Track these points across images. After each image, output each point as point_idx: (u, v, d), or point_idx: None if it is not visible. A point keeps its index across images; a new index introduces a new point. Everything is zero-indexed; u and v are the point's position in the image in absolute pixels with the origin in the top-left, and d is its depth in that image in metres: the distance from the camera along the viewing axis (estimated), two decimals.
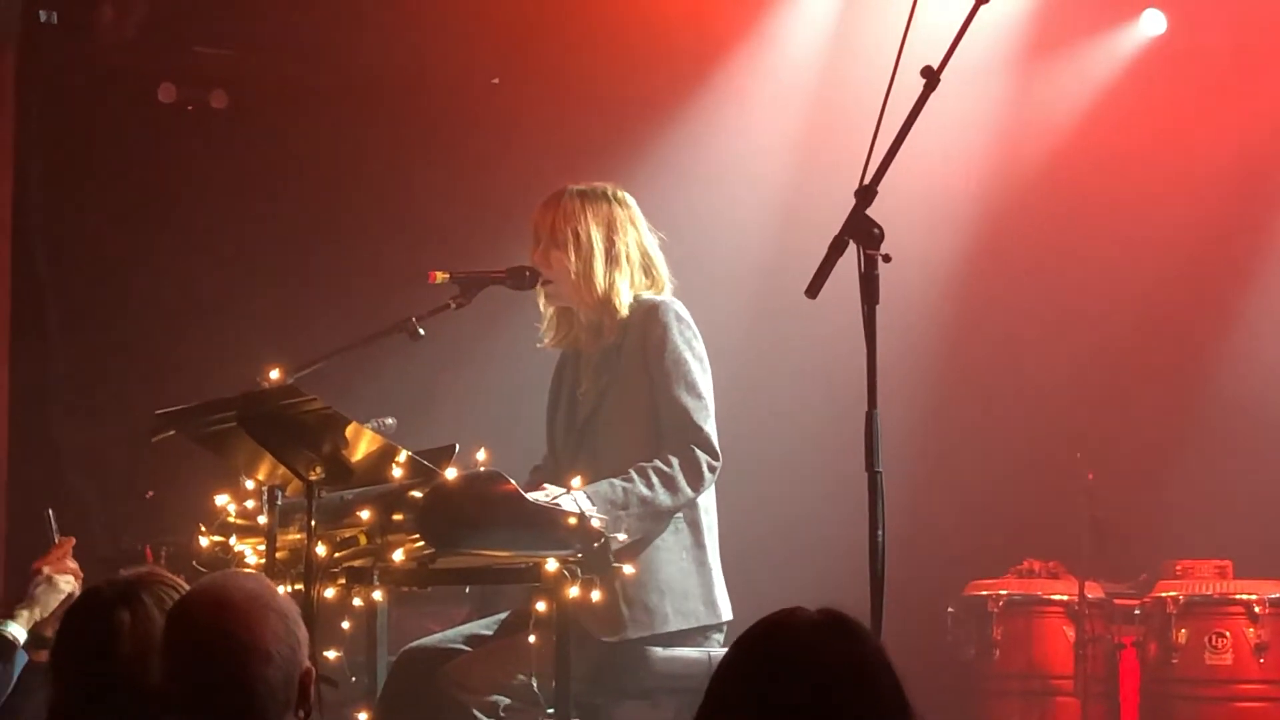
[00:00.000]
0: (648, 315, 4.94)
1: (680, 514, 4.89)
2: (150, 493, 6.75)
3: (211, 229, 7.83)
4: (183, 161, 7.86)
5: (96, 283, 7.77)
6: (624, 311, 4.95)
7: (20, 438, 7.58)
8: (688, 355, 4.92)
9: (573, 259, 4.94)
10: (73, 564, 4.18)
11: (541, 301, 5.11)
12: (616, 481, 4.74)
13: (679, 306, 4.98)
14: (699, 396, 4.91)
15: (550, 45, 7.80)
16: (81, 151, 7.77)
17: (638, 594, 4.81)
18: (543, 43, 7.81)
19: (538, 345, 5.16)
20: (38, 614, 4.09)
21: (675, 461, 4.82)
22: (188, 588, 3.15)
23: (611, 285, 4.94)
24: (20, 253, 7.64)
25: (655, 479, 4.78)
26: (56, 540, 4.27)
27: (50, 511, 4.42)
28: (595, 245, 4.95)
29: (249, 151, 7.90)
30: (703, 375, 4.94)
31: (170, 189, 7.84)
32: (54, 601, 4.11)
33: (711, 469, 4.87)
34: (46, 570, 4.15)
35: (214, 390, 4.61)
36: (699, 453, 4.85)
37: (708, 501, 4.96)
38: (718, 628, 4.94)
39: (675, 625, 4.85)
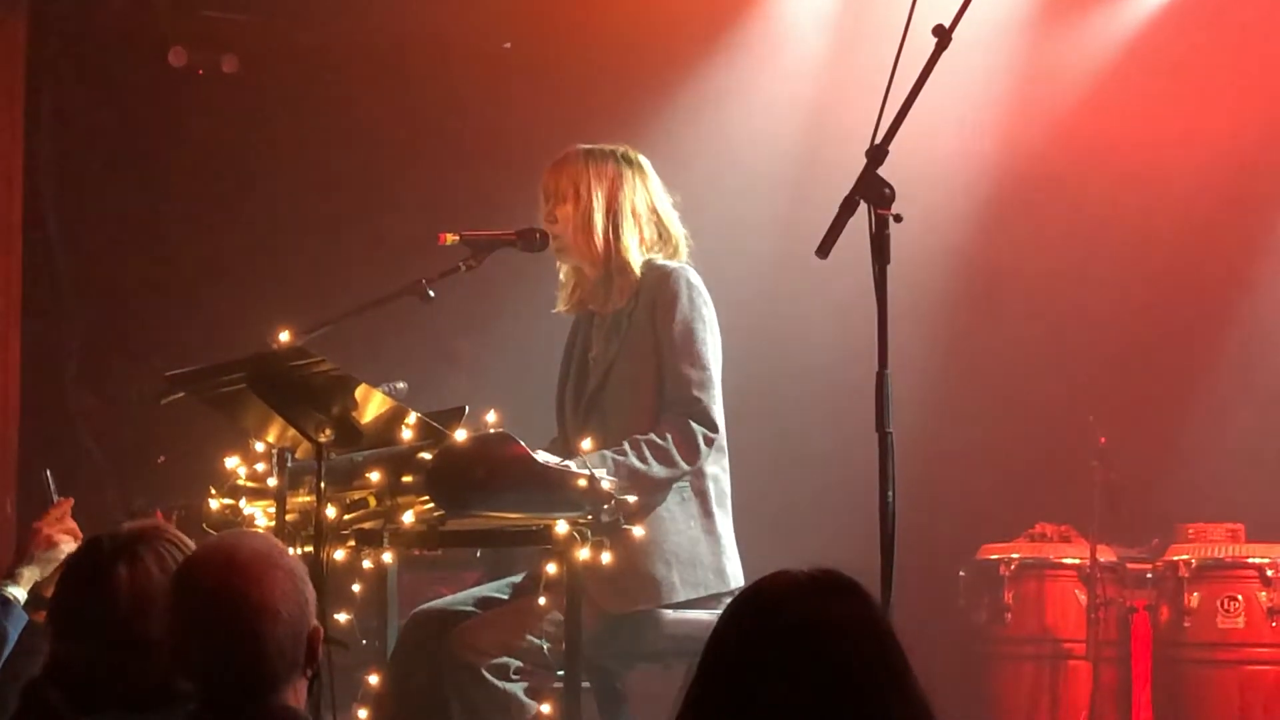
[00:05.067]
0: (659, 282, 4.92)
1: (686, 483, 4.87)
2: (162, 458, 6.76)
3: (221, 193, 7.83)
4: (193, 126, 7.85)
5: (108, 246, 7.77)
6: (636, 272, 4.93)
7: (32, 402, 7.59)
8: (697, 325, 4.89)
9: (571, 212, 4.94)
10: (71, 524, 4.16)
11: (559, 266, 5.10)
12: (608, 453, 4.72)
13: (691, 274, 4.96)
14: (703, 368, 4.88)
15: (561, 9, 7.77)
16: (92, 116, 7.76)
17: (644, 564, 4.80)
18: (554, 7, 7.79)
19: (553, 311, 5.15)
20: (37, 574, 4.08)
21: (669, 435, 4.80)
22: (192, 545, 3.15)
23: (613, 240, 4.92)
24: (32, 217, 7.64)
25: (648, 451, 4.76)
26: (55, 500, 4.26)
27: (48, 472, 4.39)
28: (595, 199, 4.93)
29: (259, 116, 7.89)
30: (711, 346, 4.91)
31: (180, 153, 7.84)
32: (53, 562, 4.09)
33: (708, 441, 4.84)
34: (45, 531, 4.13)
35: (225, 352, 4.60)
36: (694, 425, 4.83)
37: (717, 469, 4.95)
38: (728, 594, 4.92)
39: (683, 595, 4.84)
